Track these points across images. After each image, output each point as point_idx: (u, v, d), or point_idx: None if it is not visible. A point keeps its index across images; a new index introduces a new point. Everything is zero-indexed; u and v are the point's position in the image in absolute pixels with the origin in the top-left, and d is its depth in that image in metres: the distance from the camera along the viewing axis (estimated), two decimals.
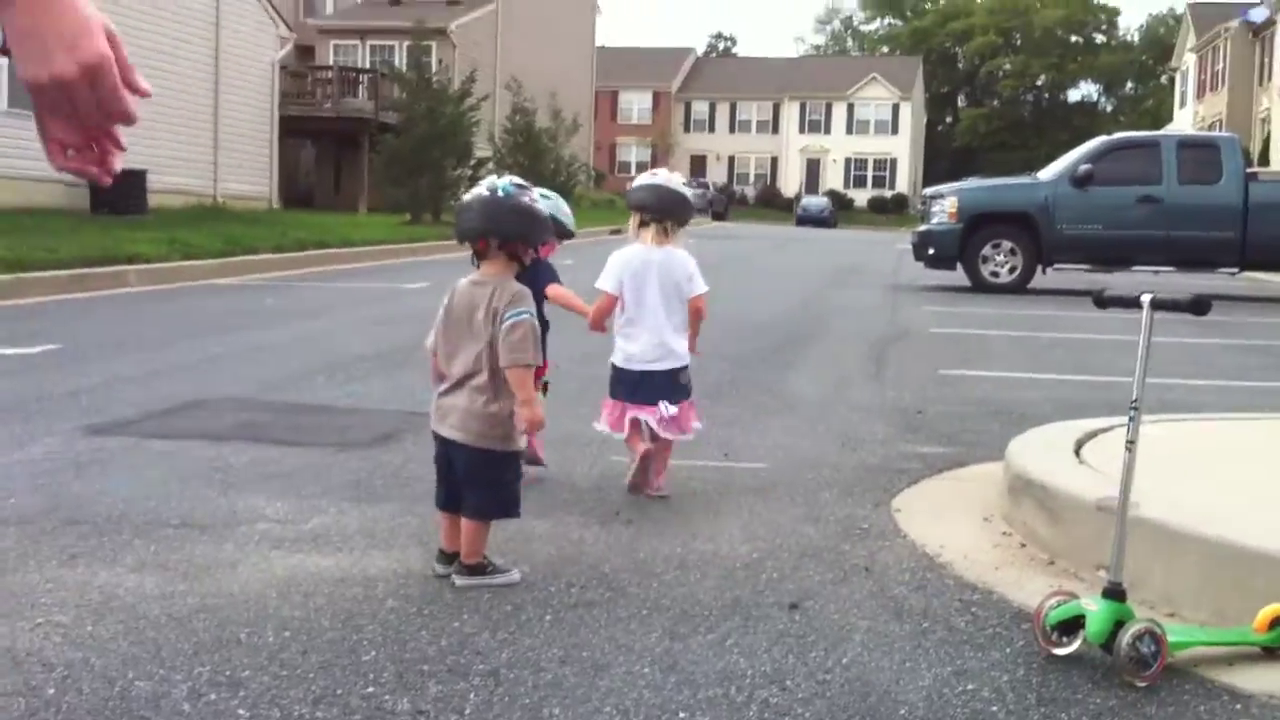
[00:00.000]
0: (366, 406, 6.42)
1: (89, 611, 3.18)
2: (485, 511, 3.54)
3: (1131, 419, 3.04)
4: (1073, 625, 3.00)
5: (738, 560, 3.85)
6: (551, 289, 4.61)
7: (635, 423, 4.64)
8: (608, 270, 4.78)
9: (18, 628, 3.05)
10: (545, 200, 3.92)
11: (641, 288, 4.74)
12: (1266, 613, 3.07)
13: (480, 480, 3.52)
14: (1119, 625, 2.91)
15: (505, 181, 3.55)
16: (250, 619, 3.17)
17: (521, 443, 3.57)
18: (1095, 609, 2.96)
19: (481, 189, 3.55)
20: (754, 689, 2.82)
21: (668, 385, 4.67)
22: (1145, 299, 3.01)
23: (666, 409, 4.62)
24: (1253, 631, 3.07)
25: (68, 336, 8.68)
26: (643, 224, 4.80)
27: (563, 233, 4.79)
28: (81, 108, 1.32)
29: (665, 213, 4.78)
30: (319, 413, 6.21)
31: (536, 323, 3.48)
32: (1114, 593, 2.99)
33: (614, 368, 4.78)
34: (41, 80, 1.29)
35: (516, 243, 3.54)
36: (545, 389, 4.61)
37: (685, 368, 4.79)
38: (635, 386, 4.68)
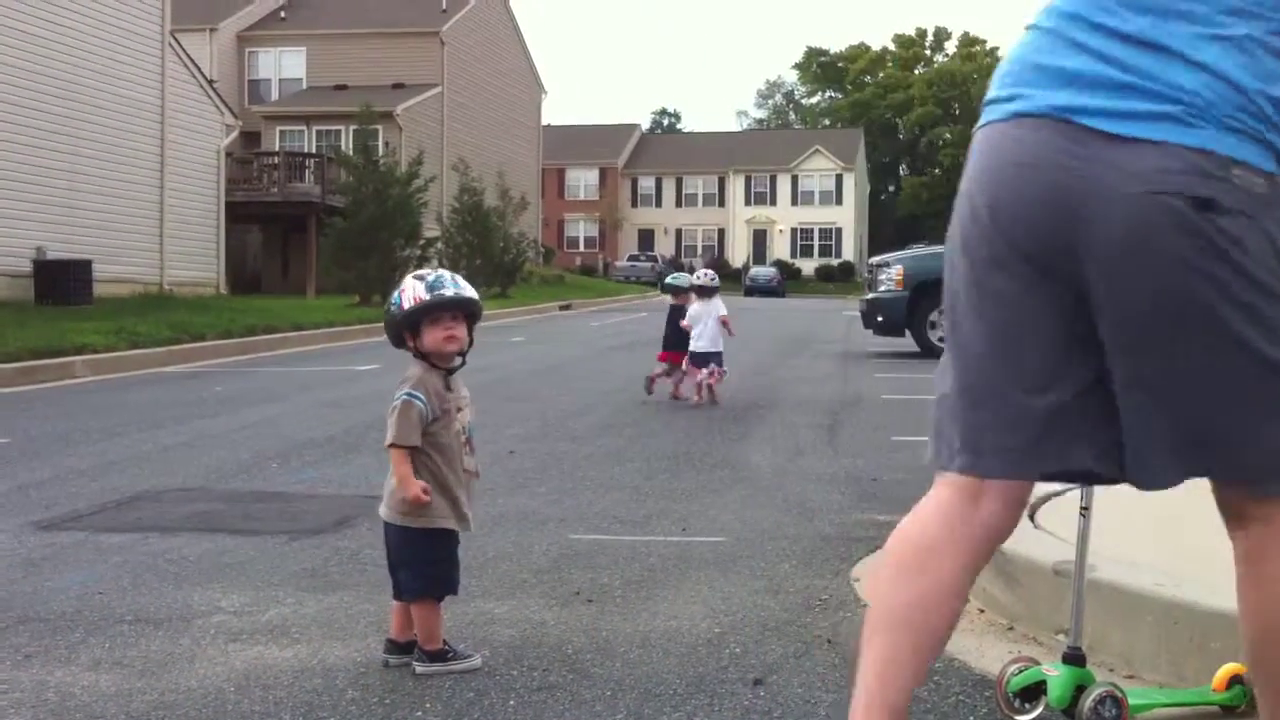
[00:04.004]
0: (320, 492, 6.37)
1: (46, 712, 3.13)
2: (419, 590, 3.52)
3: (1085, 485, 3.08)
4: (1034, 691, 3.01)
5: (700, 636, 3.84)
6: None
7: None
8: (690, 315, 11.05)
9: None
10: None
11: (706, 319, 10.89)
12: (1224, 671, 3.09)
13: (403, 559, 3.54)
14: (1080, 690, 2.92)
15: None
16: (209, 715, 3.12)
17: (444, 523, 3.54)
18: (1056, 674, 2.97)
19: None
20: None
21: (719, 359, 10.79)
22: None
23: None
24: (1211, 691, 3.09)
25: (15, 430, 8.58)
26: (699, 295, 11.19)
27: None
28: None
29: (705, 290, 11.26)
30: (273, 500, 6.16)
31: (419, 403, 3.48)
32: (1074, 658, 3.01)
33: (692, 354, 10.81)
34: None
35: (398, 346, 3.63)
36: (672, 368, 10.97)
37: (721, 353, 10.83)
38: (701, 359, 10.72)
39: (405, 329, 3.54)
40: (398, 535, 3.53)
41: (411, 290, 3.50)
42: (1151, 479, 2.19)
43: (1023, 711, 3.02)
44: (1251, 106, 2.00)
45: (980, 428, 2.24)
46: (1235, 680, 3.08)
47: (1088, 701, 2.87)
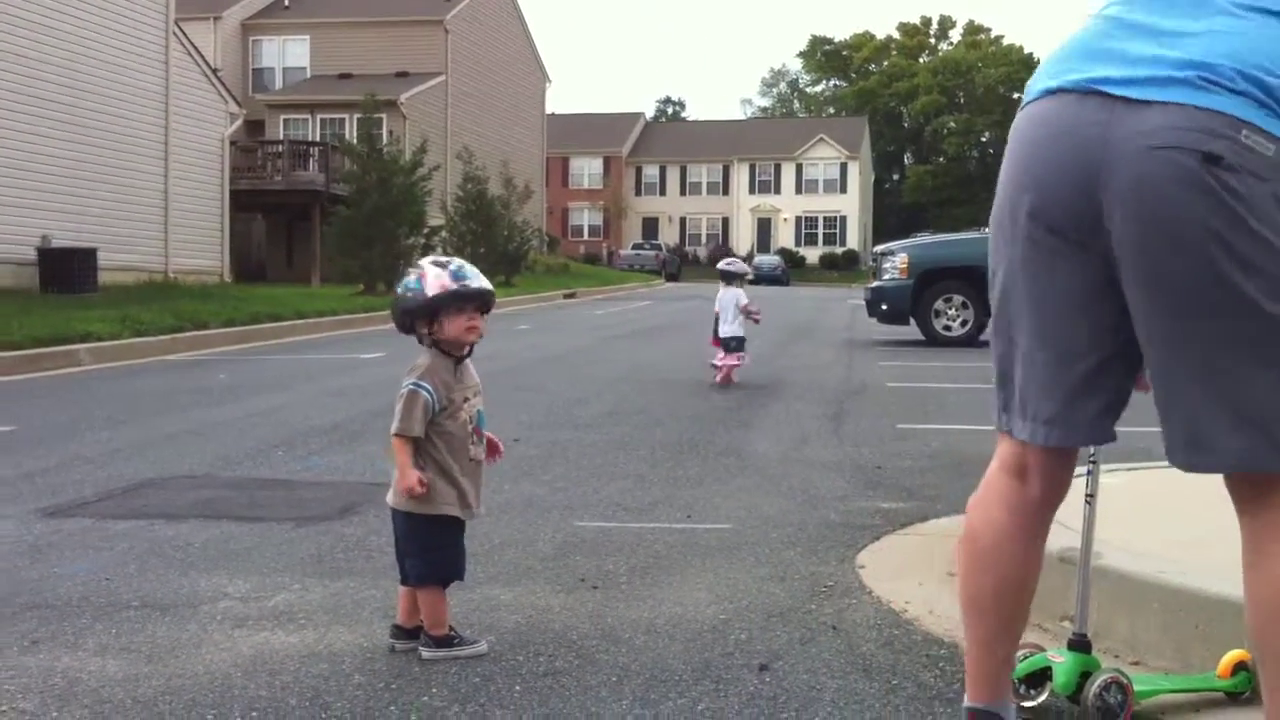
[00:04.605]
0: (326, 479, 6.38)
1: (53, 698, 3.14)
2: (423, 576, 3.53)
3: (1090, 472, 3.08)
4: (1039, 677, 3.02)
5: (705, 623, 3.84)
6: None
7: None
8: (718, 301, 11.46)
9: None
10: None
11: (727, 306, 11.30)
12: (1230, 658, 3.10)
13: (411, 546, 3.55)
14: (1085, 676, 2.93)
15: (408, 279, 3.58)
16: (216, 700, 3.13)
17: (448, 509, 3.55)
18: (1061, 660, 2.98)
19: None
20: None
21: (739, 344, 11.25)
22: None
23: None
24: (1216, 677, 3.10)
25: (21, 418, 8.59)
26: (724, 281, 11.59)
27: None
28: None
29: (728, 276, 11.60)
30: (278, 487, 6.17)
31: (425, 393, 3.48)
32: (1079, 644, 3.01)
33: (720, 338, 11.23)
34: None
35: (405, 331, 3.61)
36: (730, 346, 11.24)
37: (742, 338, 11.30)
38: (726, 344, 11.18)
39: (423, 316, 3.51)
40: (404, 522, 3.55)
41: (434, 276, 3.46)
42: (1189, 463, 2.24)
43: (1028, 698, 3.02)
44: (1265, 78, 2.09)
45: (1032, 396, 2.39)
46: (1240, 666, 3.08)
47: (1093, 687, 2.88)
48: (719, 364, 11.21)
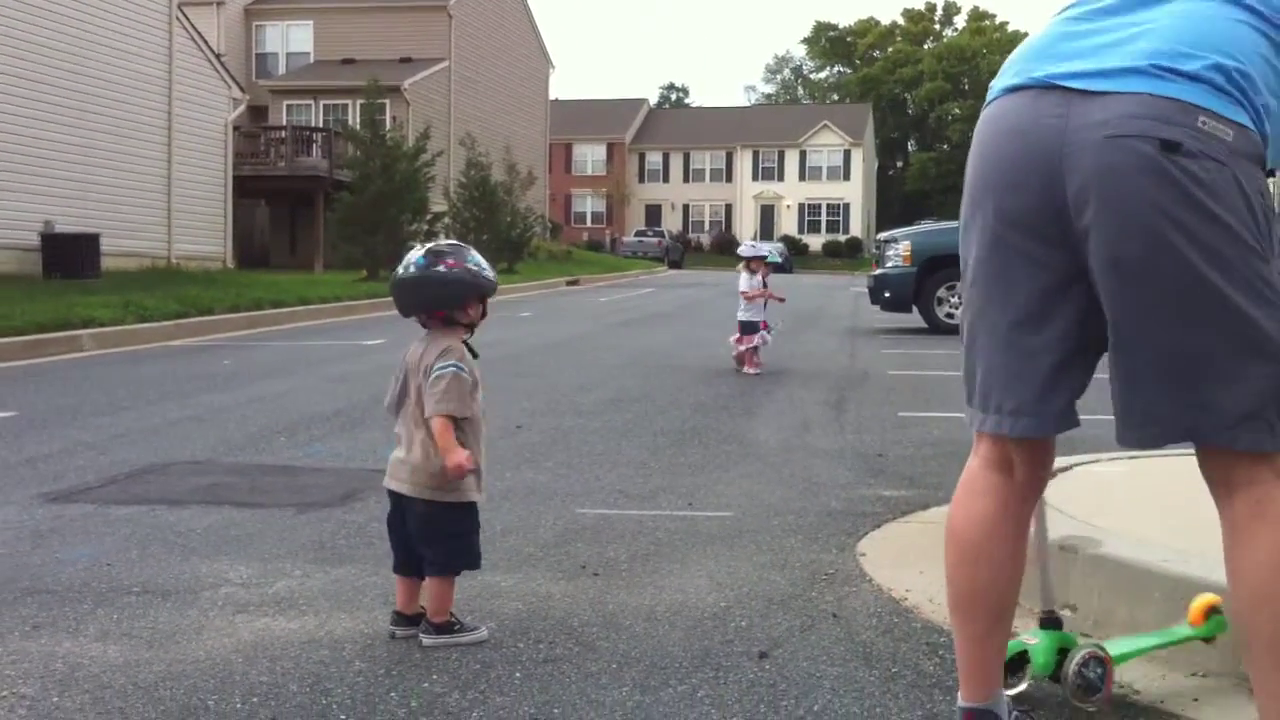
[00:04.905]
0: (328, 466, 6.39)
1: (54, 683, 3.15)
2: (446, 565, 3.53)
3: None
4: (1018, 663, 3.01)
5: (706, 610, 3.85)
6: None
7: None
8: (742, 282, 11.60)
9: None
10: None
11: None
12: (1199, 604, 3.10)
13: (437, 534, 3.53)
14: (1063, 653, 2.93)
15: (418, 255, 3.57)
16: (217, 685, 3.14)
17: (473, 495, 3.57)
18: (1036, 642, 2.98)
19: (398, 269, 3.59)
20: None
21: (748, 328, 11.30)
22: None
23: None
24: (1189, 626, 3.10)
25: (23, 403, 8.60)
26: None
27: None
28: None
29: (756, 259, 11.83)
30: (280, 473, 6.18)
31: (466, 375, 3.51)
32: (1050, 621, 3.02)
33: (740, 322, 11.29)
34: None
35: (437, 310, 3.59)
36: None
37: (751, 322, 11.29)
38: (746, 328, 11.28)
39: (478, 298, 3.59)
40: (425, 510, 3.51)
41: (484, 264, 3.59)
42: (1138, 437, 2.27)
43: (1008, 685, 3.02)
44: (1223, 61, 2.11)
45: (997, 388, 2.41)
46: (1212, 610, 3.09)
47: (1070, 665, 2.87)
48: (742, 350, 11.34)
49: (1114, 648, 2.98)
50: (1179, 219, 2.10)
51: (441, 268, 3.53)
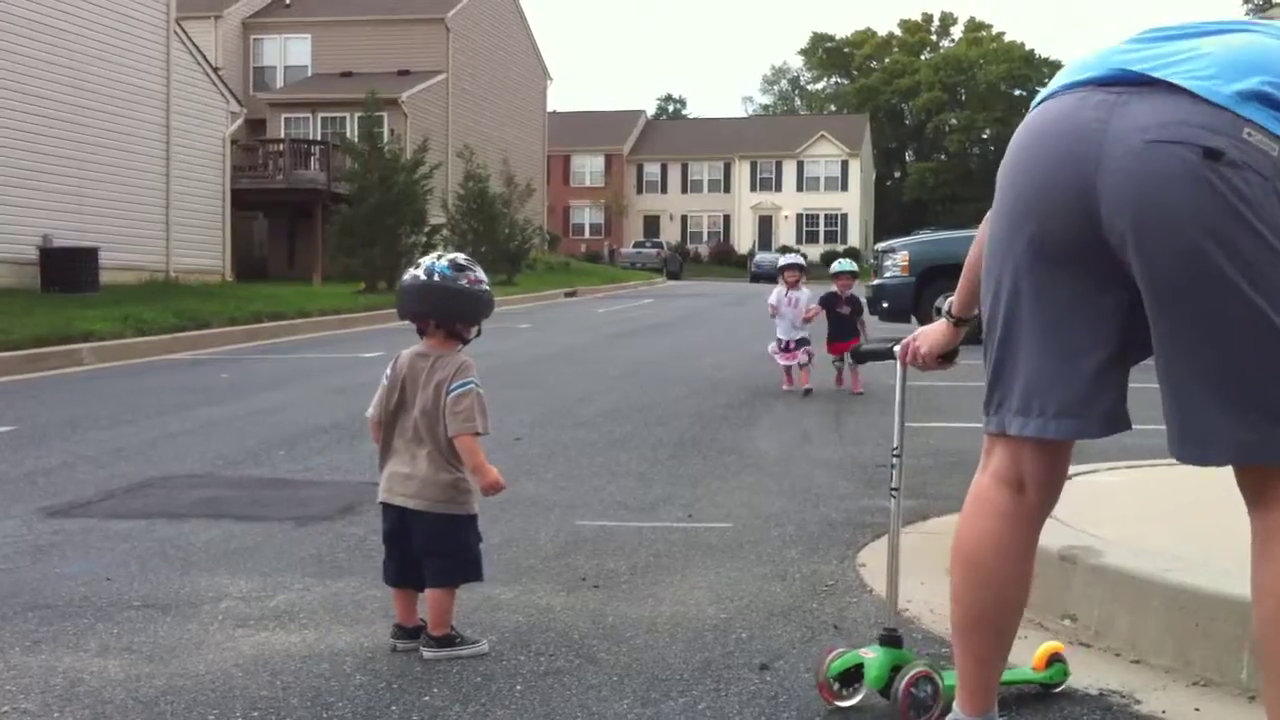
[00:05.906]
0: (327, 479, 6.39)
1: (55, 698, 3.14)
2: (450, 577, 3.53)
3: (894, 466, 3.15)
4: (854, 675, 3.02)
5: (706, 622, 3.85)
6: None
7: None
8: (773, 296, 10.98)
9: None
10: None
11: (793, 306, 10.82)
12: (1044, 650, 3.13)
13: (442, 547, 3.52)
14: (896, 670, 2.94)
15: (442, 264, 3.57)
16: (217, 700, 3.13)
17: (475, 507, 3.58)
18: (873, 656, 2.99)
19: (418, 272, 3.58)
20: None
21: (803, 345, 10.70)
22: (897, 349, 3.08)
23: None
24: (1031, 670, 3.11)
25: (23, 417, 8.60)
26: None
27: None
28: None
29: (800, 269, 11.35)
30: (279, 487, 6.17)
31: (482, 391, 3.52)
32: (890, 639, 3.03)
33: (779, 340, 10.78)
34: None
35: (454, 322, 3.59)
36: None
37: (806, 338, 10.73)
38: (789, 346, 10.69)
39: (480, 317, 3.62)
40: (439, 525, 3.51)
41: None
42: (1197, 456, 2.24)
43: (843, 696, 3.03)
44: (1275, 83, 2.09)
45: (1040, 392, 2.37)
46: (1054, 659, 3.10)
47: (901, 682, 2.88)
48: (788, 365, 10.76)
49: (948, 678, 2.97)
50: (1217, 230, 2.07)
51: (464, 282, 3.55)
